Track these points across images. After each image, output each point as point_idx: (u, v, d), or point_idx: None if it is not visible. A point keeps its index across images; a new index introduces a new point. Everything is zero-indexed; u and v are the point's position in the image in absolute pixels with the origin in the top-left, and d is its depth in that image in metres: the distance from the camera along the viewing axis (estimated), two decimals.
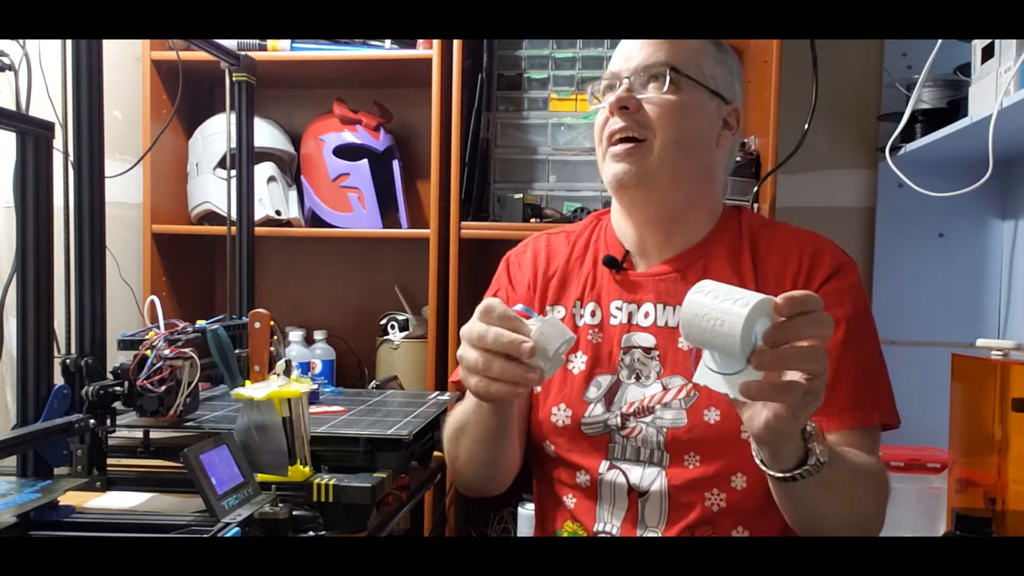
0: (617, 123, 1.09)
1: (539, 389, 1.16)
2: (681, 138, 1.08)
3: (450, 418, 1.17)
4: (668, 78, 1.08)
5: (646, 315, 1.12)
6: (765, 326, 0.78)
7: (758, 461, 0.91)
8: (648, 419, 1.09)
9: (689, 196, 1.12)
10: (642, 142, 1.08)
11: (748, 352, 0.79)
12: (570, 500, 1.14)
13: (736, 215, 1.17)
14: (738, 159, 1.64)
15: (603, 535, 1.11)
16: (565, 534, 1.15)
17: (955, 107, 1.61)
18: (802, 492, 0.91)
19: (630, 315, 1.13)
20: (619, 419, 1.10)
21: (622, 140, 1.09)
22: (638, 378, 1.11)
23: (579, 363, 1.14)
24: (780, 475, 0.89)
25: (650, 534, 1.08)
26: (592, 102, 1.16)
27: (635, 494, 1.09)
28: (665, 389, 1.09)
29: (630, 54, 1.11)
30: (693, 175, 1.11)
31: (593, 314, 1.15)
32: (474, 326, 0.90)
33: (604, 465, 1.11)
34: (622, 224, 1.18)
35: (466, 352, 0.90)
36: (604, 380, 1.12)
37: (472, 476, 1.16)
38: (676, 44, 1.10)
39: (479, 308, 0.90)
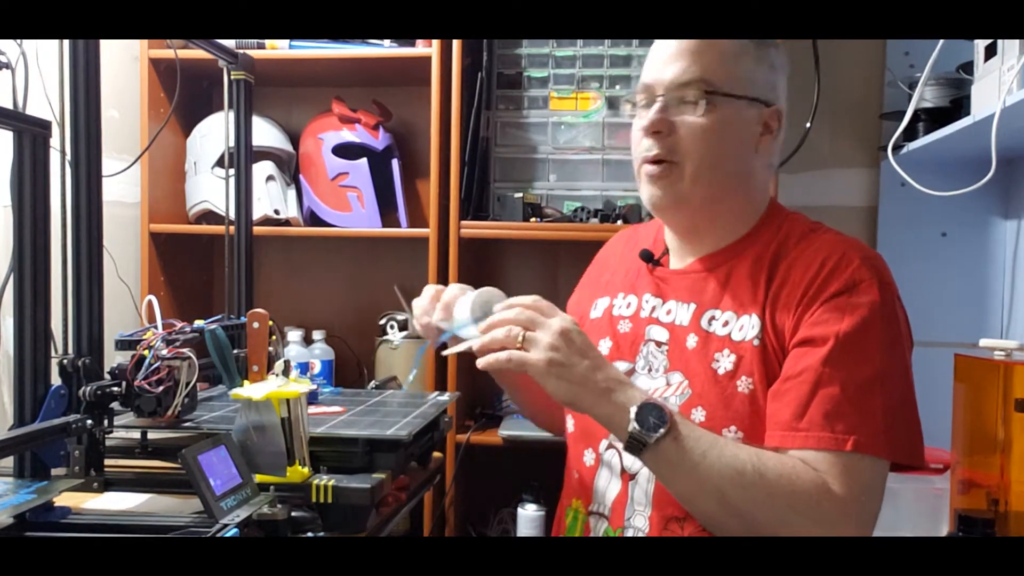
0: (649, 145, 1.08)
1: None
2: (715, 161, 1.07)
3: None
4: (703, 101, 1.05)
5: (668, 312, 1.13)
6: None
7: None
8: None
9: (722, 207, 1.11)
10: (674, 164, 1.07)
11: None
12: (575, 476, 1.18)
13: (780, 220, 1.13)
14: None
15: (596, 514, 1.13)
16: (571, 512, 1.17)
17: (958, 106, 1.61)
18: (656, 468, 1.00)
19: (654, 308, 1.15)
20: None
21: (655, 162, 1.08)
22: (649, 370, 1.12)
23: (604, 348, 1.17)
24: (623, 445, 0.98)
25: (638, 515, 1.09)
26: (625, 108, 1.15)
27: (627, 475, 1.11)
28: (668, 384, 1.09)
29: (664, 65, 1.08)
30: (727, 189, 1.10)
31: (629, 305, 1.19)
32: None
33: (604, 444, 1.13)
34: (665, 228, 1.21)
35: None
36: (621, 367, 1.13)
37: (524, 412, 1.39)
38: (713, 53, 1.06)
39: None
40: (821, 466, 0.97)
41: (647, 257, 1.19)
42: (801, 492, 0.96)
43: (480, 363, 1.01)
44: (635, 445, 0.96)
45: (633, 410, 0.96)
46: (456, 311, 1.09)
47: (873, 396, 1.00)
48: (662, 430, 0.95)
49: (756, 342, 1.05)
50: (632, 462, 1.09)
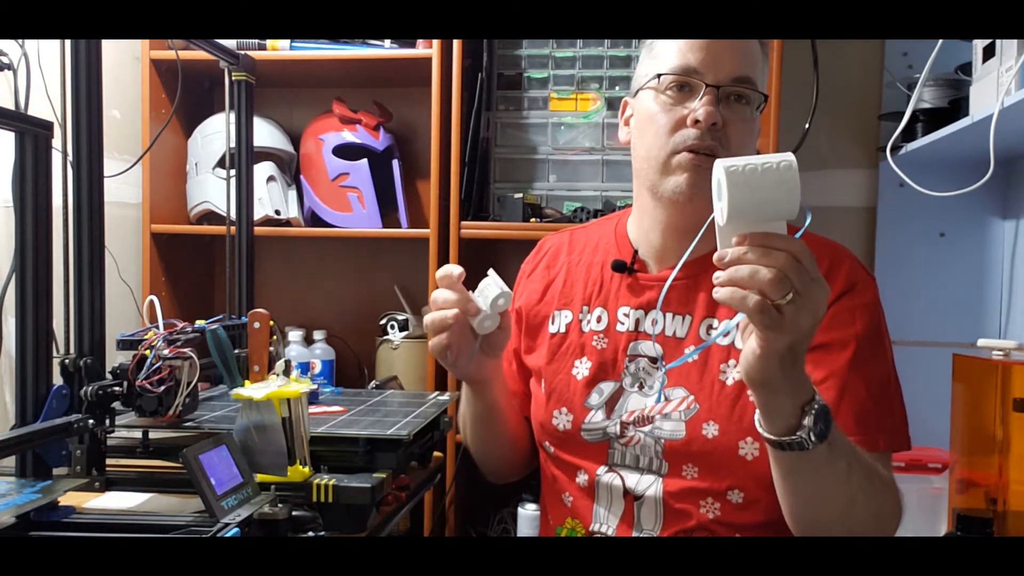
0: (698, 135, 1.04)
1: (543, 387, 1.17)
2: None
3: (459, 410, 1.28)
4: (755, 100, 1.05)
5: (653, 322, 1.11)
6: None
7: (757, 425, 0.89)
8: (647, 429, 1.08)
9: None
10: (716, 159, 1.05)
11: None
12: (568, 498, 1.15)
13: None
14: None
15: (599, 535, 1.11)
16: (565, 530, 1.15)
17: (956, 106, 1.61)
18: (795, 470, 0.91)
19: (637, 322, 1.12)
20: (618, 427, 1.10)
21: (704, 152, 1.04)
22: (641, 387, 1.10)
23: (583, 369, 1.14)
24: (769, 437, 0.88)
25: (646, 534, 1.08)
26: (650, 93, 1.08)
27: (630, 497, 1.09)
28: (666, 400, 1.08)
29: (716, 56, 1.04)
30: None
31: (599, 319, 1.15)
32: (432, 295, 1.07)
33: (603, 468, 1.11)
34: (645, 229, 1.14)
35: (427, 318, 1.07)
36: (607, 387, 1.12)
37: (481, 459, 1.28)
38: (751, 51, 1.06)
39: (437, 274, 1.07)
40: None
41: (620, 266, 1.14)
42: (886, 490, 1.00)
43: (719, 294, 0.82)
44: (793, 445, 0.87)
45: (810, 419, 0.86)
46: (486, 291, 1.08)
47: (891, 392, 1.05)
48: (827, 439, 0.87)
49: None
50: (636, 484, 1.08)
